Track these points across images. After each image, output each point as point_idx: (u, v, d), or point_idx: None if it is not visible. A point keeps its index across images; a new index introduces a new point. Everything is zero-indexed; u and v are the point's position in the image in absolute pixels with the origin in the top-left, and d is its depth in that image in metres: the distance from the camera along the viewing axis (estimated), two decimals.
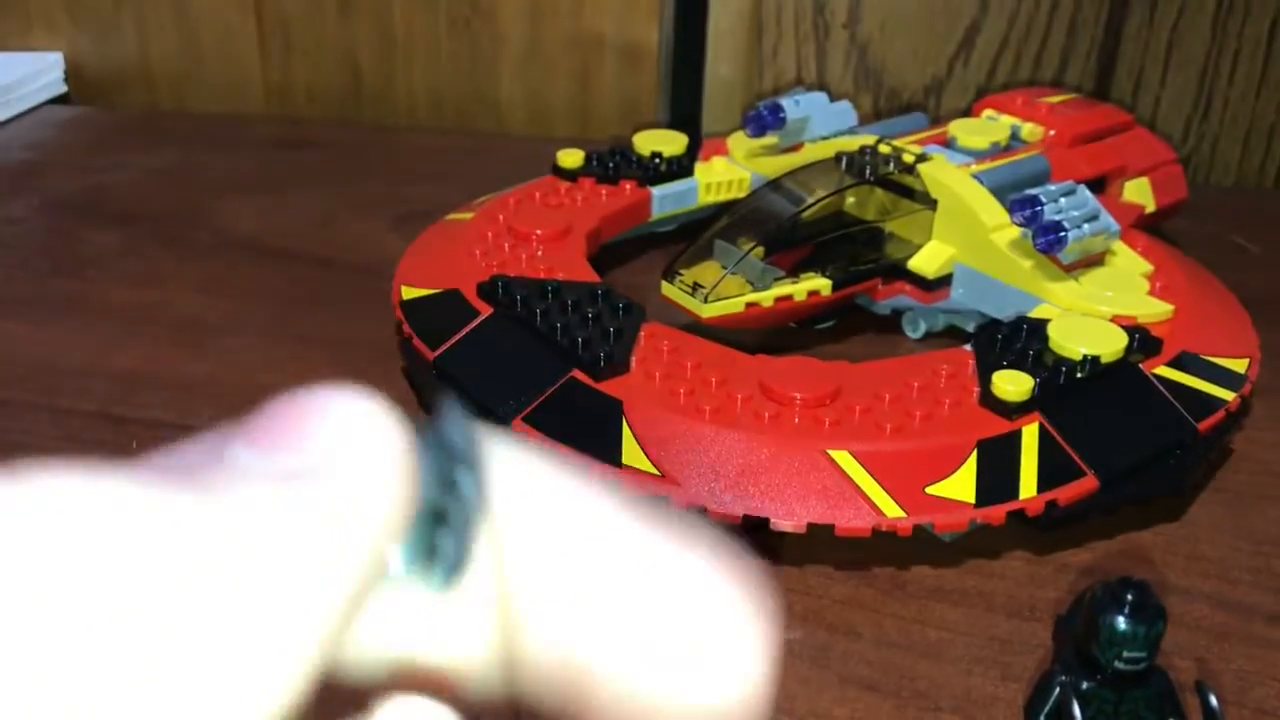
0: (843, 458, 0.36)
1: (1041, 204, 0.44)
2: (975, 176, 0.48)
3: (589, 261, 0.48)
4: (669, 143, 0.56)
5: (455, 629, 0.14)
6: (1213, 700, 0.29)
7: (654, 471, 0.36)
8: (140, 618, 0.11)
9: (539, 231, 0.48)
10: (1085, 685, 0.29)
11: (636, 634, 0.13)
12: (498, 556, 0.14)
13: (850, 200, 0.49)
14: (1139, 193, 0.54)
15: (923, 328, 0.50)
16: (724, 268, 0.45)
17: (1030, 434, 0.38)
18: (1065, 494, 0.36)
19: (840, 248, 0.48)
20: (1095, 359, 0.40)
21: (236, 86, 0.80)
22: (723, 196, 0.56)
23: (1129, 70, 0.70)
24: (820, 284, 0.46)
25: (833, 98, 0.56)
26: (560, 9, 0.74)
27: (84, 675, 0.10)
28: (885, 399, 0.38)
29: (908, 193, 0.48)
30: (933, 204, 0.48)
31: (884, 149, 0.50)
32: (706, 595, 0.13)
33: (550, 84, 0.76)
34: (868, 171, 0.49)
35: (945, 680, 0.34)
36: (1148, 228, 0.53)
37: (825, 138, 0.54)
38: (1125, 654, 0.28)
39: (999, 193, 0.47)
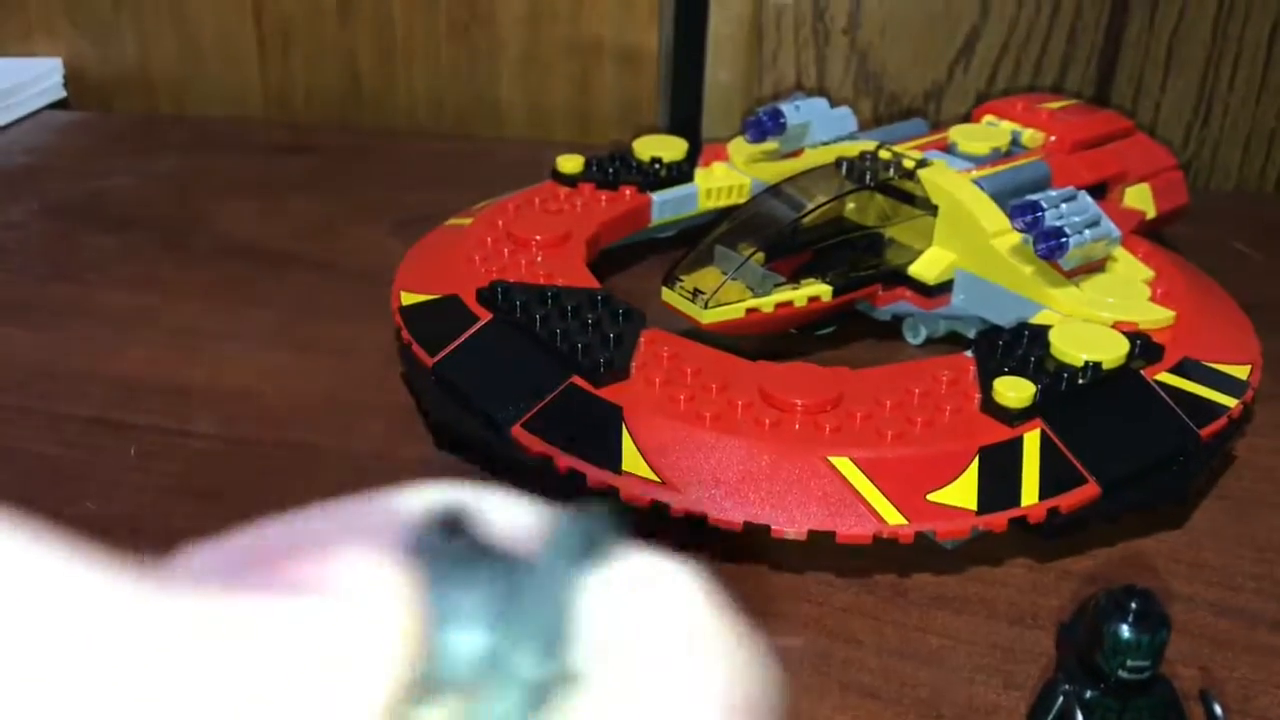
0: (844, 464, 0.36)
1: (1042, 210, 0.44)
2: (976, 182, 0.48)
3: (589, 267, 0.47)
4: (669, 148, 0.56)
5: None
6: (1217, 709, 0.29)
7: (654, 478, 0.36)
8: None
9: (538, 237, 0.48)
10: (1089, 694, 0.29)
11: None
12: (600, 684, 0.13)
13: (851, 206, 0.49)
14: (1140, 198, 0.54)
15: (923, 334, 0.49)
16: (724, 273, 0.45)
17: (1032, 441, 0.37)
18: (1067, 501, 0.36)
19: (841, 253, 0.48)
20: (1097, 365, 0.40)
21: (236, 91, 0.79)
22: (723, 202, 0.55)
23: (1129, 76, 0.70)
24: (821, 290, 0.46)
25: (833, 103, 0.56)
26: (560, 14, 0.74)
27: None
28: (886, 405, 0.38)
29: (908, 198, 0.48)
30: (933, 210, 0.48)
31: (884, 154, 0.50)
32: None
33: (550, 89, 0.76)
34: (868, 177, 0.48)
35: (947, 688, 0.33)
36: (1148, 233, 0.52)
37: (825, 143, 0.54)
38: (1129, 662, 0.28)
39: (1000, 198, 0.47)
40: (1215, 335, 0.44)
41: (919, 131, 0.56)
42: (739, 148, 0.57)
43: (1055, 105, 0.56)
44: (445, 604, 0.12)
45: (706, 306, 0.44)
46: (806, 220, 0.47)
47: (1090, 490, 0.37)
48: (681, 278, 0.45)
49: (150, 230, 0.60)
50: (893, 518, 0.35)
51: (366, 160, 0.70)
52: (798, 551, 0.36)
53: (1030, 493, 0.36)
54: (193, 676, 0.11)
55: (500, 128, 0.77)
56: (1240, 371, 0.42)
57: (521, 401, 0.39)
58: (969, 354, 0.41)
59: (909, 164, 0.49)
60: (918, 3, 0.70)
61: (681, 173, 0.55)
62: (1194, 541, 0.40)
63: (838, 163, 0.50)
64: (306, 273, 0.56)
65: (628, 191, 0.54)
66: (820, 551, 0.36)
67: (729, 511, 0.35)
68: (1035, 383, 0.38)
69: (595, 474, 0.37)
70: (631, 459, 0.37)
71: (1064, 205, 0.44)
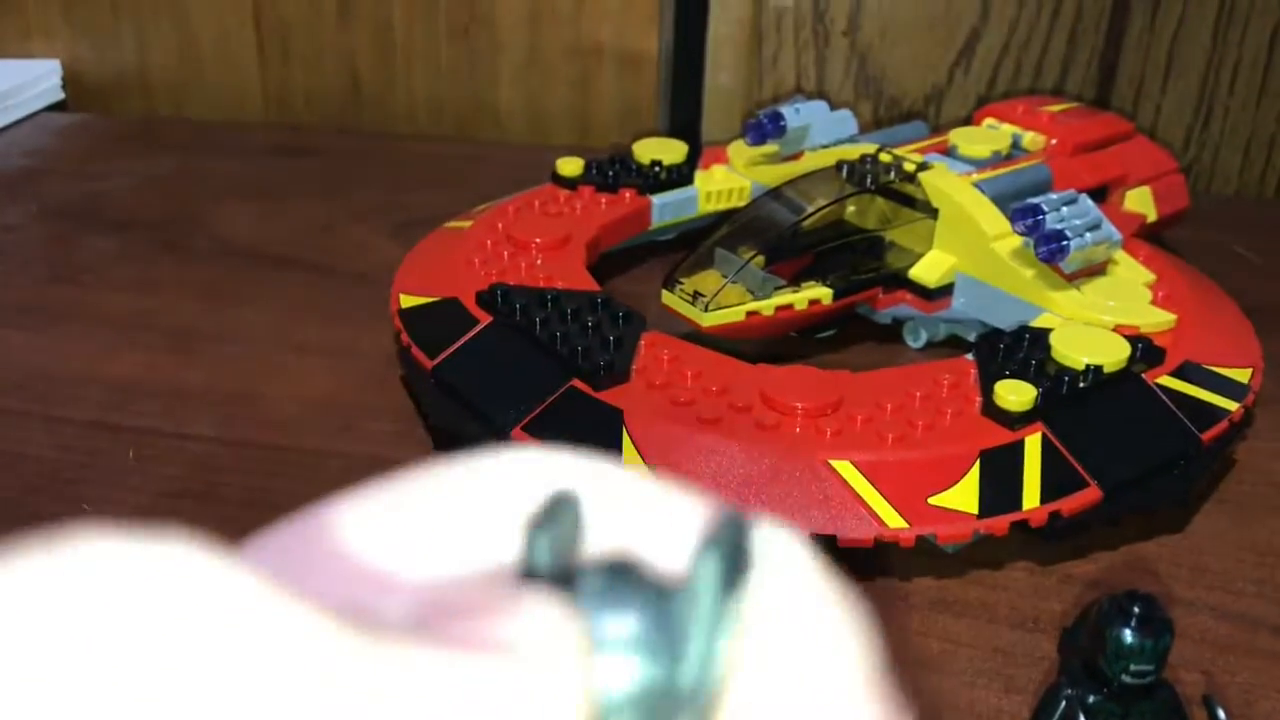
0: (844, 468, 0.36)
1: (1043, 213, 0.44)
2: (976, 185, 0.48)
3: (589, 270, 0.47)
4: (669, 151, 0.56)
5: None
6: (1220, 714, 0.29)
7: None
8: None
9: (538, 240, 0.48)
10: (1091, 698, 0.29)
11: None
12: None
13: (851, 209, 0.49)
14: (1140, 202, 0.54)
15: (924, 337, 0.49)
16: (724, 276, 0.45)
17: (1033, 444, 0.37)
18: (1068, 504, 0.36)
19: (841, 257, 0.48)
20: (1098, 369, 0.39)
21: (235, 93, 0.79)
22: (723, 205, 0.55)
23: (1130, 79, 0.70)
24: (821, 293, 0.46)
25: (833, 106, 0.56)
26: (560, 17, 0.74)
27: None
28: (887, 409, 0.38)
29: (909, 201, 0.48)
30: (934, 213, 0.48)
31: (885, 157, 0.50)
32: None
33: (550, 92, 0.76)
34: (868, 180, 0.48)
35: (948, 692, 0.33)
36: (1149, 237, 0.52)
37: (826, 146, 0.54)
38: (1132, 667, 0.28)
39: (1000, 201, 0.47)
40: (1216, 338, 0.44)
41: (919, 134, 0.56)
42: (739, 150, 0.57)
43: (1056, 108, 0.56)
44: (606, 633, 0.12)
45: (707, 309, 0.43)
46: (807, 223, 0.47)
47: (1092, 494, 0.36)
48: (682, 280, 0.45)
49: (149, 232, 0.60)
50: (894, 521, 0.35)
51: (366, 163, 0.70)
52: None
53: (1031, 496, 0.36)
54: None
55: (500, 130, 0.77)
56: (1241, 375, 0.42)
57: (521, 404, 0.39)
58: (970, 357, 0.41)
59: (909, 167, 0.49)
60: (918, 5, 0.70)
61: (681, 176, 0.55)
62: (1195, 545, 0.39)
63: (838, 166, 0.50)
64: (306, 275, 0.56)
65: (627, 194, 0.54)
66: (820, 555, 0.35)
67: None
68: (1036, 386, 0.38)
69: None
70: (632, 462, 0.36)
71: (1065, 208, 0.44)
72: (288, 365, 0.48)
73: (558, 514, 0.13)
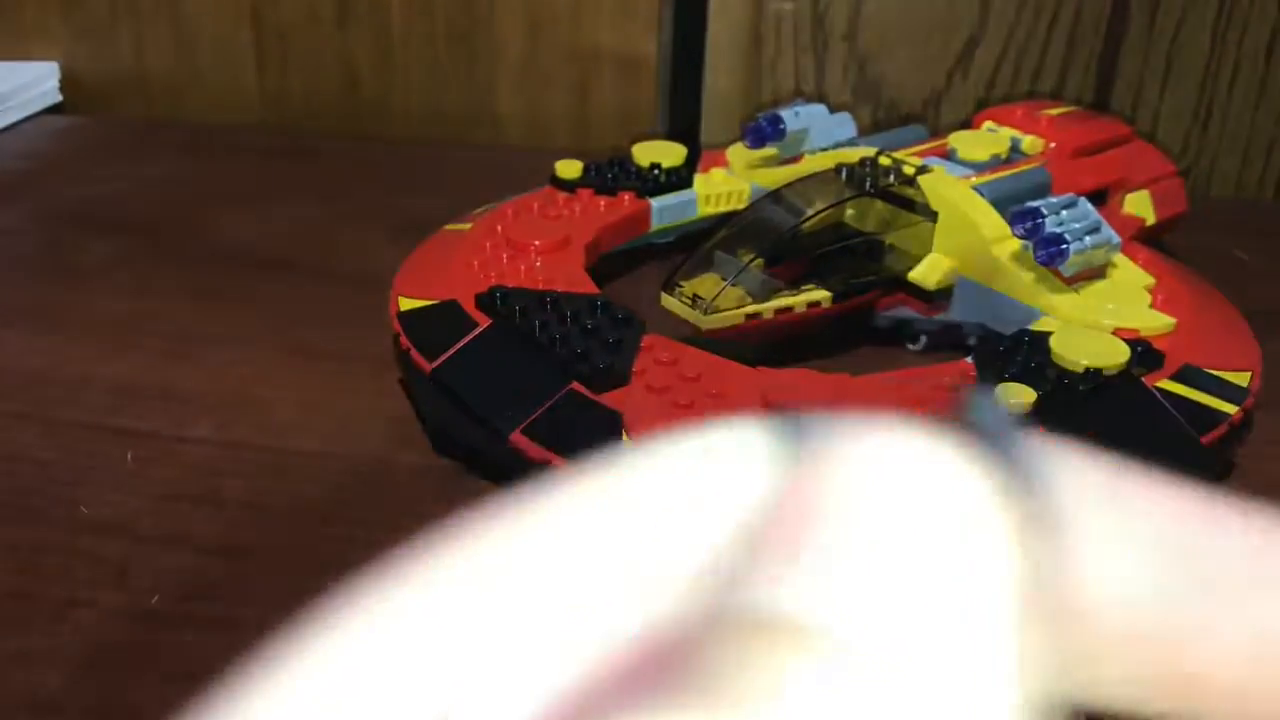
0: None
1: (1043, 216, 0.43)
2: (976, 188, 0.48)
3: (588, 273, 0.47)
4: (668, 154, 0.56)
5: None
6: None
7: None
8: None
9: (537, 242, 0.48)
10: None
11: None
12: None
13: (850, 212, 0.48)
14: (1139, 205, 0.54)
15: (924, 340, 0.49)
16: (724, 279, 0.45)
17: None
18: None
19: (841, 260, 0.47)
20: (1097, 372, 0.39)
21: (233, 96, 0.79)
22: (722, 208, 0.55)
23: (1128, 83, 0.70)
24: (820, 296, 0.46)
25: (832, 109, 0.56)
26: (558, 20, 0.74)
27: None
28: (887, 411, 0.38)
29: (908, 205, 0.48)
30: (933, 216, 0.48)
31: (884, 161, 0.50)
32: None
33: (548, 95, 0.76)
34: (868, 183, 0.48)
35: None
36: (1148, 240, 0.52)
37: (825, 149, 0.54)
38: None
39: (999, 205, 0.47)
40: (1216, 342, 0.44)
41: (918, 138, 0.56)
42: (738, 153, 0.56)
43: (1055, 111, 0.56)
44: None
45: (706, 312, 0.43)
46: (806, 226, 0.47)
47: None
48: (681, 283, 0.45)
49: (146, 235, 0.60)
50: None
51: (364, 166, 0.70)
52: None
53: None
54: None
55: (498, 133, 0.77)
56: (1241, 378, 0.42)
57: (521, 407, 0.39)
58: (969, 360, 0.41)
59: (909, 170, 0.49)
60: (917, 9, 0.70)
61: (681, 178, 0.55)
62: None
63: (837, 169, 0.50)
64: (304, 278, 0.56)
65: (627, 197, 0.54)
66: None
67: None
68: (1036, 389, 0.38)
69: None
70: None
71: (1064, 212, 0.44)
72: (286, 368, 0.48)
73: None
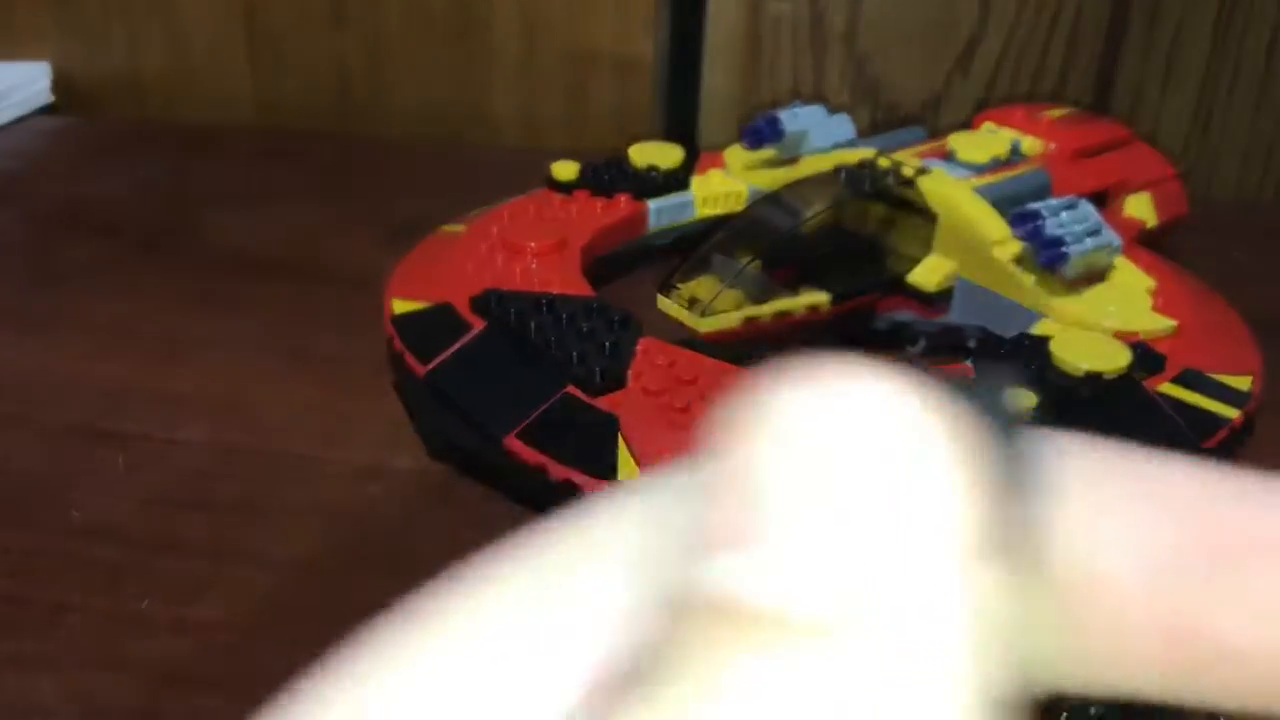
0: None
1: (1043, 218, 0.43)
2: (976, 190, 0.48)
3: (584, 275, 0.47)
4: (665, 155, 0.56)
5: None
6: None
7: None
8: None
9: (533, 244, 0.48)
10: (1093, 710, 0.29)
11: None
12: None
13: (849, 214, 0.48)
14: (1140, 208, 0.54)
15: (923, 343, 0.49)
16: (722, 282, 0.44)
17: None
18: None
19: (839, 262, 0.47)
20: (1098, 375, 0.39)
21: (226, 98, 0.79)
22: (720, 210, 0.55)
23: (1128, 84, 0.70)
24: (819, 298, 0.45)
25: (831, 110, 0.55)
26: (555, 21, 0.73)
27: None
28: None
29: (908, 206, 0.48)
30: (933, 218, 0.47)
31: (883, 162, 0.49)
32: None
33: (544, 96, 0.75)
34: (867, 185, 0.48)
35: None
36: (1148, 243, 0.52)
37: (824, 151, 0.54)
38: None
39: (1000, 207, 0.47)
40: (1217, 346, 0.44)
41: (918, 139, 0.55)
42: (736, 155, 0.56)
43: (1055, 113, 0.56)
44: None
45: (704, 315, 0.43)
46: (805, 228, 0.47)
47: None
48: (678, 286, 0.44)
49: (138, 237, 0.60)
50: None
51: (358, 168, 0.70)
52: None
53: None
54: None
55: (494, 135, 0.77)
56: (1242, 382, 0.42)
57: (515, 411, 0.39)
58: (969, 363, 0.41)
59: (908, 172, 0.48)
60: (916, 10, 0.69)
61: (678, 180, 0.55)
62: None
63: (836, 170, 0.49)
64: (296, 281, 0.55)
65: (623, 199, 0.53)
66: None
67: None
68: (1036, 393, 0.38)
69: (590, 484, 0.36)
70: (628, 469, 0.36)
71: (1065, 214, 0.44)
72: (279, 371, 0.48)
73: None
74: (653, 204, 0.54)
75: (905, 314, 0.49)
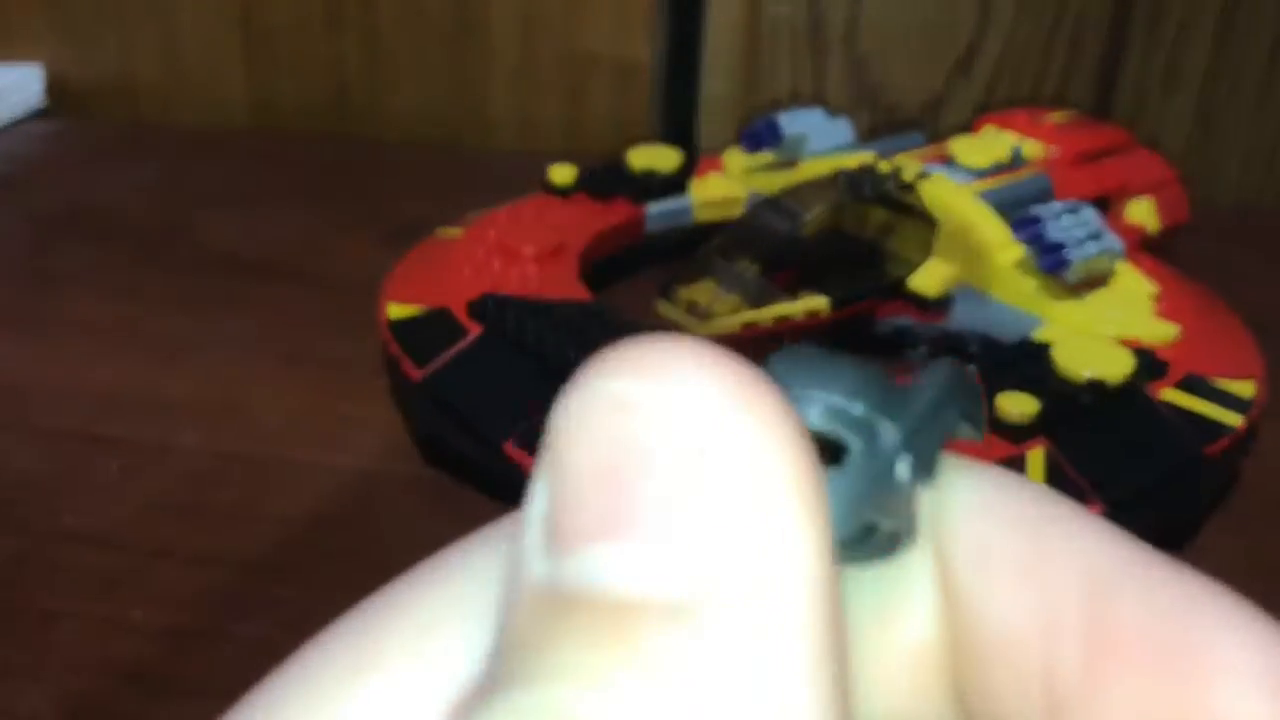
0: None
1: (1045, 223, 0.43)
2: (977, 195, 0.47)
3: (582, 279, 0.47)
4: (663, 159, 0.55)
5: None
6: None
7: None
8: None
9: (530, 248, 0.47)
10: None
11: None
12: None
13: (849, 218, 0.48)
14: (1142, 212, 0.53)
15: (924, 348, 0.49)
16: (721, 286, 0.44)
17: (1035, 458, 0.37)
18: None
19: (839, 266, 0.47)
20: (1101, 381, 0.39)
21: (221, 100, 0.78)
22: (718, 214, 0.55)
23: (1130, 89, 0.69)
24: (819, 303, 0.45)
25: (830, 113, 0.55)
26: (552, 23, 0.73)
27: None
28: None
29: (908, 211, 0.48)
30: (933, 222, 0.47)
31: (883, 166, 0.49)
32: None
33: (542, 99, 0.75)
34: (867, 189, 0.48)
35: None
36: (1150, 247, 0.52)
37: (823, 154, 0.54)
38: None
39: (1001, 211, 0.46)
40: (1220, 351, 0.44)
41: (918, 143, 0.55)
42: (735, 159, 0.56)
43: (1056, 117, 0.56)
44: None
45: (703, 320, 0.43)
46: (804, 232, 0.46)
47: (1095, 508, 0.36)
48: (677, 290, 0.44)
49: (132, 241, 0.59)
50: None
51: (354, 171, 0.69)
52: None
53: None
54: None
55: (491, 138, 0.77)
56: (1245, 388, 0.41)
57: (513, 417, 0.38)
58: (971, 369, 0.40)
59: (909, 176, 0.48)
60: (916, 14, 0.69)
61: (676, 184, 0.55)
62: (1199, 561, 0.38)
63: (836, 174, 0.49)
64: (292, 284, 0.55)
65: (621, 203, 0.53)
66: None
67: None
68: (1039, 399, 0.37)
69: None
70: None
71: (1066, 218, 0.44)
72: (274, 375, 0.47)
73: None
74: (651, 208, 0.54)
75: (905, 319, 0.48)
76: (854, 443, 0.12)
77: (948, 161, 0.51)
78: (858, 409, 0.12)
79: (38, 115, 0.78)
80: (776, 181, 0.52)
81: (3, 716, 0.31)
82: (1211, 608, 0.12)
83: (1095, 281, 0.45)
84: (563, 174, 0.54)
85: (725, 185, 0.55)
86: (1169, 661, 0.12)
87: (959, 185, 0.48)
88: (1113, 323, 0.43)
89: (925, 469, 0.12)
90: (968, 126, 0.56)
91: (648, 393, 0.11)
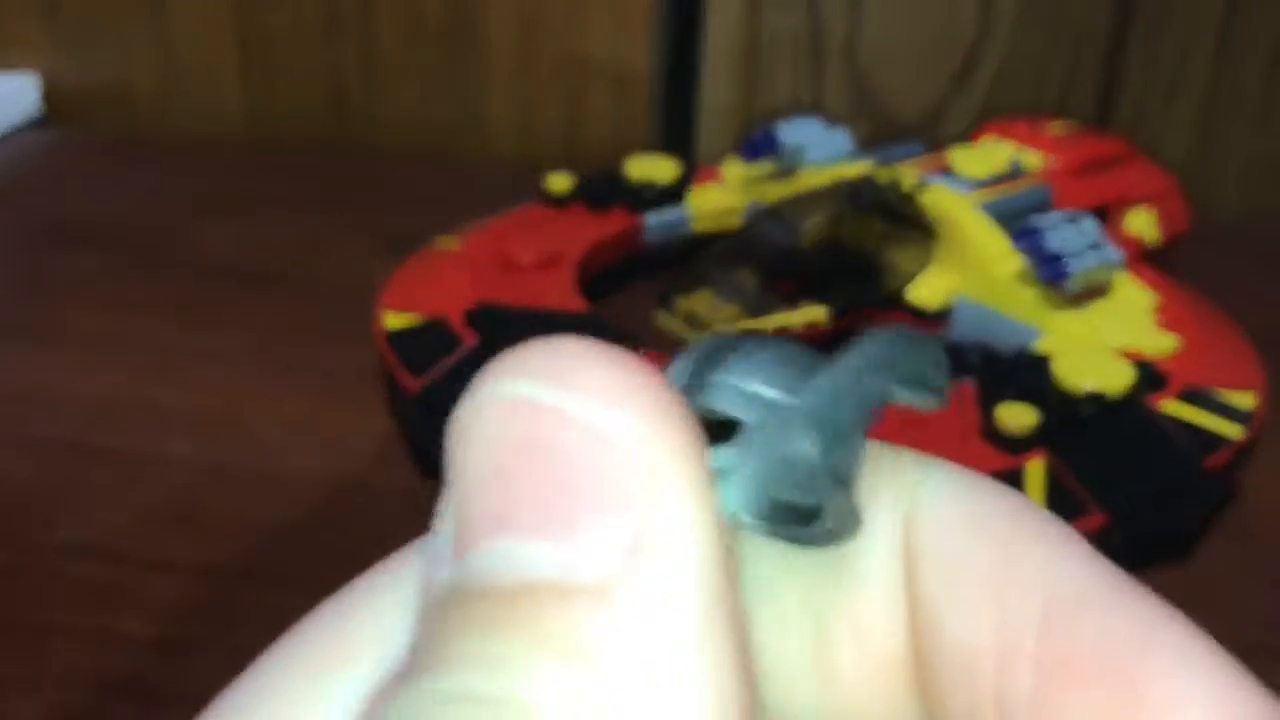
0: None
1: (1045, 233, 0.43)
2: (976, 205, 0.47)
3: (579, 289, 0.46)
4: (661, 169, 0.55)
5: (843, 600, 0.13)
6: None
7: None
8: None
9: (528, 258, 0.47)
10: None
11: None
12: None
13: (848, 228, 0.48)
14: (1142, 223, 0.53)
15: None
16: (719, 297, 0.44)
17: (1034, 469, 0.37)
18: None
19: (838, 276, 0.47)
20: (1101, 393, 0.39)
21: (218, 107, 0.78)
22: (717, 224, 0.54)
23: (1130, 100, 0.69)
24: (818, 313, 0.45)
25: (830, 123, 0.55)
26: (551, 31, 0.73)
27: None
28: (887, 432, 0.37)
29: (907, 221, 0.47)
30: (933, 232, 0.47)
31: (883, 176, 0.49)
32: None
33: (540, 108, 0.75)
34: (866, 199, 0.48)
35: None
36: (1150, 259, 0.52)
37: (822, 164, 0.53)
38: None
39: (1000, 221, 0.46)
40: (1220, 363, 0.43)
41: (917, 153, 0.55)
42: (734, 168, 0.56)
43: (1056, 128, 0.56)
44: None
45: (701, 330, 0.43)
46: (803, 243, 0.46)
47: (1095, 520, 0.36)
48: (676, 301, 0.44)
49: (128, 250, 0.59)
50: None
51: (351, 180, 0.69)
52: None
53: None
54: None
55: (488, 147, 0.76)
56: (1246, 400, 0.41)
57: None
58: (970, 380, 0.40)
59: (908, 186, 0.48)
60: (916, 23, 0.69)
61: (674, 194, 0.54)
62: (1200, 575, 0.39)
63: (835, 184, 0.49)
64: (288, 294, 0.55)
65: (619, 212, 0.53)
66: None
67: None
68: (1038, 410, 0.37)
69: None
70: None
71: (1066, 229, 0.44)
72: (270, 386, 0.47)
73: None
74: (649, 217, 0.53)
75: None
76: (751, 421, 0.12)
77: (947, 172, 0.51)
78: (765, 389, 0.12)
79: (34, 124, 0.78)
80: (775, 191, 0.52)
81: None
82: (1167, 638, 0.12)
83: (1095, 292, 0.44)
84: (560, 183, 0.54)
85: (723, 195, 0.55)
86: (1120, 692, 0.12)
87: (958, 195, 0.48)
88: (1113, 334, 0.43)
89: (840, 442, 0.12)
90: (967, 137, 0.56)
91: (534, 392, 0.12)
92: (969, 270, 0.46)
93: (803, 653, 0.13)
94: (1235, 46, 0.67)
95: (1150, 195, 0.54)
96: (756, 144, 0.53)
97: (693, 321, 0.43)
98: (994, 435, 0.37)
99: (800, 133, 0.54)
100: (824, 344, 0.45)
